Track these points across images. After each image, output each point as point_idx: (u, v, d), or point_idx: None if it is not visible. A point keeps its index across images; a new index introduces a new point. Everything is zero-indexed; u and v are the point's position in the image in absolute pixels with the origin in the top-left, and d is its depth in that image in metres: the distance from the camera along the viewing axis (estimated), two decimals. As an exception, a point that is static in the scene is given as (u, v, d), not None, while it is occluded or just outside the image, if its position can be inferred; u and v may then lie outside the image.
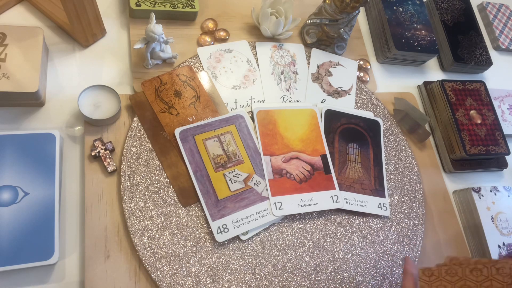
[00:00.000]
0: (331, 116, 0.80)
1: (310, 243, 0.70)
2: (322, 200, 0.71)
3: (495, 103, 0.96)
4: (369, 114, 0.84)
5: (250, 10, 0.85)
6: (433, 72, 1.00)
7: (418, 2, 0.97)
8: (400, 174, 0.80)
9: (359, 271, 0.70)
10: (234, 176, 0.69)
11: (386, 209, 0.75)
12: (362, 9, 1.01)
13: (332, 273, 0.68)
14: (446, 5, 1.03)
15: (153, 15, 0.70)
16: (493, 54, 1.08)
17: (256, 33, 0.86)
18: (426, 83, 0.93)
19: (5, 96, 0.64)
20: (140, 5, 0.77)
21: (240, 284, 0.64)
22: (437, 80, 0.90)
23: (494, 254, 0.76)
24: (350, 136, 0.79)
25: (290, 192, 0.71)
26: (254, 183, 0.70)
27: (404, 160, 0.82)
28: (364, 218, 0.74)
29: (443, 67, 1.00)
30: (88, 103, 0.67)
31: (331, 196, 0.72)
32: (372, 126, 0.82)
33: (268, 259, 0.67)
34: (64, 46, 0.75)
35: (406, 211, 0.77)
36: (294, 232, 0.70)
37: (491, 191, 0.82)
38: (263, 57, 0.83)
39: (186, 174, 0.68)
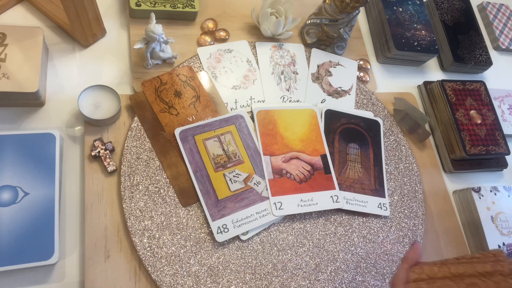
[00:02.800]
0: (331, 116, 0.80)
1: (310, 243, 0.70)
2: (322, 200, 0.71)
3: (495, 103, 0.96)
4: (369, 114, 0.84)
5: (250, 10, 0.85)
6: (433, 72, 0.99)
7: (418, 2, 0.97)
8: (400, 174, 0.80)
9: (359, 271, 0.70)
10: (234, 176, 0.69)
11: (386, 209, 0.75)
12: (362, 9, 1.01)
13: (332, 273, 0.68)
14: (446, 5, 1.03)
15: (153, 15, 0.70)
16: (493, 54, 1.08)
17: (256, 33, 0.86)
18: (426, 83, 0.93)
19: (5, 96, 0.64)
20: (140, 5, 0.77)
21: (240, 284, 0.64)
22: (437, 80, 0.90)
23: (494, 254, 0.76)
24: (350, 136, 0.79)
25: (290, 192, 0.71)
26: (254, 183, 0.70)
27: (404, 160, 0.82)
28: (364, 218, 0.74)
29: (443, 67, 1.00)
30: (88, 103, 0.67)
31: (331, 196, 0.72)
32: (372, 126, 0.82)
33: (268, 259, 0.67)
34: (64, 46, 0.75)
35: (406, 211, 0.77)
36: (294, 232, 0.70)
37: (491, 191, 0.82)
38: (263, 57, 0.83)
39: (186, 174, 0.68)
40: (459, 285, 0.47)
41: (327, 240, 0.71)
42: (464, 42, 0.99)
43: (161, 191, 0.66)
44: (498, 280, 0.47)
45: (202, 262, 0.63)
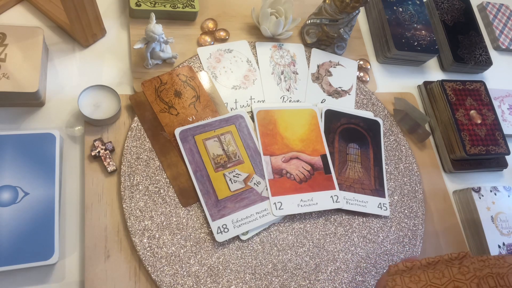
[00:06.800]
0: (331, 116, 0.80)
1: (310, 243, 0.70)
2: (322, 200, 0.71)
3: (495, 103, 0.96)
4: (369, 114, 0.84)
5: (250, 10, 0.85)
6: (433, 72, 1.00)
7: (418, 2, 0.97)
8: (400, 174, 0.80)
9: (359, 271, 0.70)
10: (234, 176, 0.69)
11: (386, 209, 0.75)
12: (362, 9, 1.01)
13: (332, 273, 0.68)
14: (446, 5, 1.03)
15: (153, 15, 0.70)
16: (493, 54, 1.08)
17: (256, 33, 0.86)
18: (426, 83, 0.93)
19: (5, 96, 0.64)
20: (140, 5, 0.77)
21: (240, 284, 0.64)
22: (437, 80, 0.90)
23: (494, 254, 0.76)
24: (350, 136, 0.79)
25: (290, 192, 0.71)
26: (254, 183, 0.70)
27: (404, 160, 0.82)
28: (364, 218, 0.74)
29: (443, 67, 1.00)
30: (88, 103, 0.67)
31: (331, 196, 0.72)
32: (372, 126, 0.82)
33: (268, 259, 0.67)
34: (64, 46, 0.75)
35: (406, 211, 0.77)
36: (294, 232, 0.70)
37: (491, 191, 0.82)
38: (263, 57, 0.83)
39: (186, 174, 0.68)
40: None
41: (327, 240, 0.71)
42: (464, 42, 0.99)
43: (161, 191, 0.66)
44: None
45: (202, 262, 0.63)
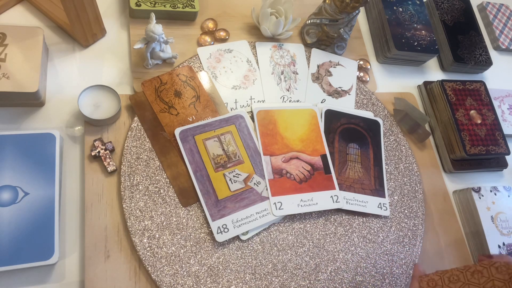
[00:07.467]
0: (331, 116, 0.80)
1: (310, 243, 0.70)
2: (322, 200, 0.71)
3: (495, 103, 0.96)
4: (369, 114, 0.84)
5: (250, 10, 0.85)
6: (433, 72, 1.00)
7: (418, 2, 0.97)
8: (400, 174, 0.80)
9: (359, 271, 0.70)
10: (234, 176, 0.69)
11: (386, 209, 0.75)
12: (362, 9, 1.01)
13: (332, 273, 0.68)
14: (446, 5, 1.03)
15: (153, 15, 0.70)
16: (493, 54, 1.08)
17: (256, 33, 0.86)
18: (426, 83, 0.93)
19: (5, 96, 0.64)
20: (140, 5, 0.77)
21: (240, 284, 0.64)
22: (437, 80, 0.90)
23: (494, 254, 0.76)
24: (350, 136, 0.79)
25: (290, 192, 0.71)
26: (254, 183, 0.70)
27: (404, 160, 0.82)
28: (364, 218, 0.74)
29: (443, 67, 1.00)
30: (88, 103, 0.67)
31: (331, 196, 0.72)
32: (372, 126, 0.82)
33: (268, 259, 0.67)
34: (64, 46, 0.75)
35: (406, 211, 0.77)
36: (294, 232, 0.70)
37: (491, 191, 0.82)
38: (263, 57, 0.83)
39: (186, 174, 0.68)
40: (464, 274, 0.54)
41: (327, 240, 0.71)
42: (464, 42, 0.99)
43: (161, 191, 0.66)
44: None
45: (202, 262, 0.63)
